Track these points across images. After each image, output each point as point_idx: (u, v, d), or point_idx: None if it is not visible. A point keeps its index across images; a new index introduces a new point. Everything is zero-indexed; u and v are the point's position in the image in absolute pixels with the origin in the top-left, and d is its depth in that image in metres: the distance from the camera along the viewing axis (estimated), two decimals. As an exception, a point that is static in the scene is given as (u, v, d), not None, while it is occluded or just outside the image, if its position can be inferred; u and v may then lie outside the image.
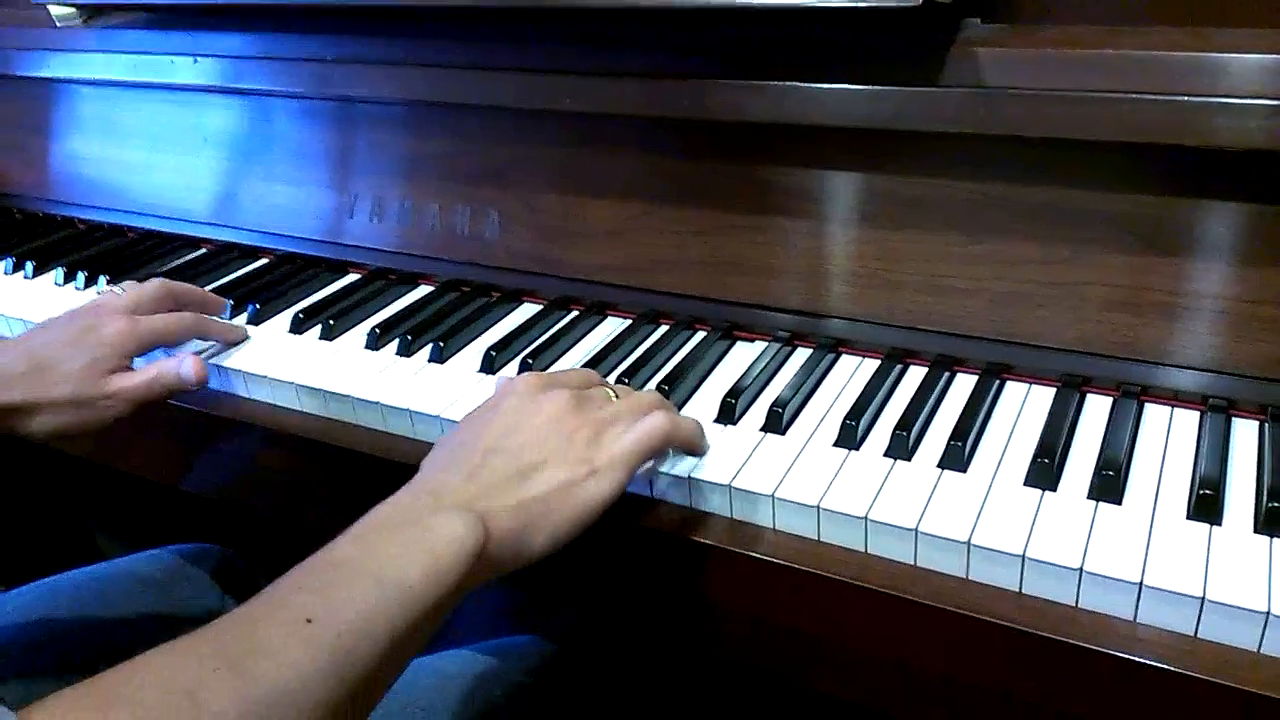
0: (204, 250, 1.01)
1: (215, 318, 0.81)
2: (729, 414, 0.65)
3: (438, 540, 0.47)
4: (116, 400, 0.68)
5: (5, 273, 1.00)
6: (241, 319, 0.85)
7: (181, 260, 0.99)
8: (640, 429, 0.55)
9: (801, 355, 0.73)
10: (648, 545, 0.61)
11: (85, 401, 0.68)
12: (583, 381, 0.60)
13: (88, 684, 0.39)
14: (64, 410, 0.68)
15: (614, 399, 0.58)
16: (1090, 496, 0.56)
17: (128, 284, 0.77)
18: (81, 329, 0.70)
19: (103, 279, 0.94)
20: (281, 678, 0.40)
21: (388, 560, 0.46)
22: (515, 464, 0.52)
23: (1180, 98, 0.58)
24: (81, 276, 0.95)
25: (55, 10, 1.02)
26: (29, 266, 0.98)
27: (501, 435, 0.53)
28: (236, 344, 0.80)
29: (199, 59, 0.93)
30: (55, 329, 0.71)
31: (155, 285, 0.77)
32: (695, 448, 0.60)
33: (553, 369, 0.74)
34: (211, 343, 0.79)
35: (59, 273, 0.96)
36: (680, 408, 0.68)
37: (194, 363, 0.70)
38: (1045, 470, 0.57)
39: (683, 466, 0.61)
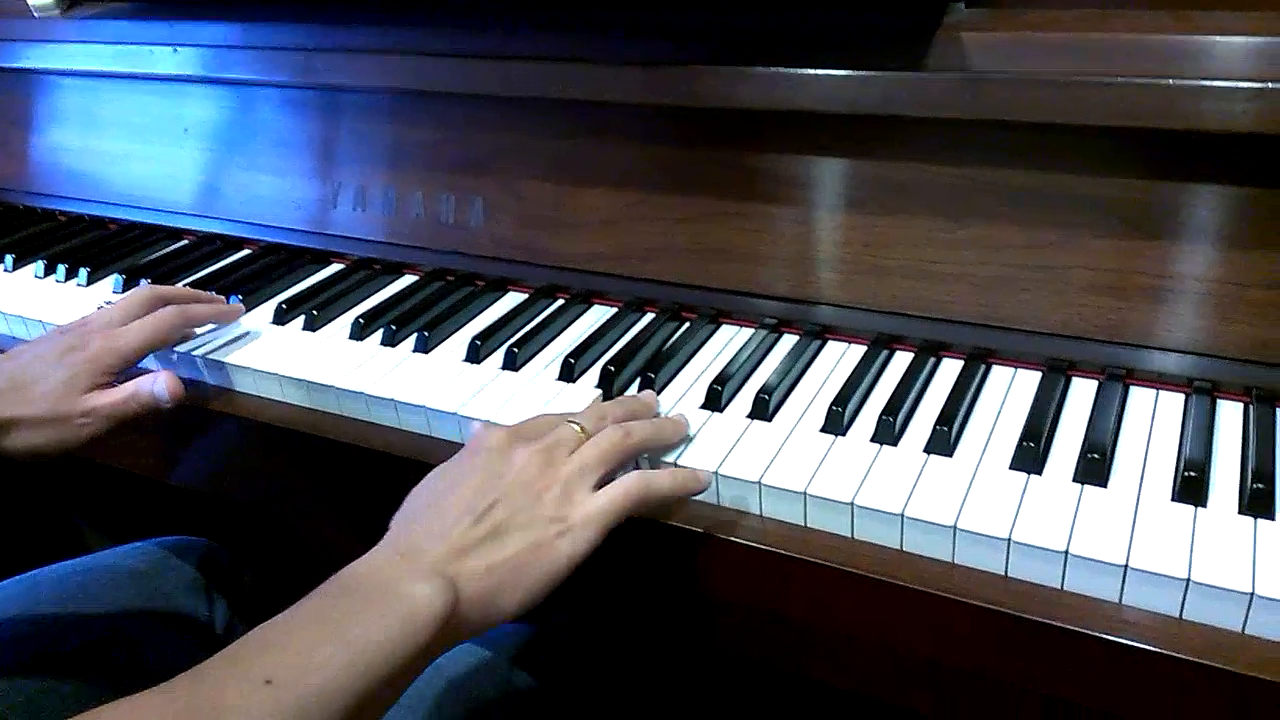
0: (186, 241, 1.00)
1: (202, 305, 0.80)
2: (715, 401, 0.65)
3: (408, 605, 0.46)
4: (93, 418, 0.68)
5: (-15, 266, 0.99)
6: None
7: (164, 251, 0.98)
8: (615, 492, 0.55)
9: (788, 342, 0.73)
10: (634, 533, 0.60)
11: (61, 419, 0.67)
12: (549, 426, 0.58)
13: None
14: (40, 428, 0.67)
15: (582, 434, 0.57)
16: (1076, 479, 0.56)
17: (117, 298, 0.75)
18: (63, 347, 0.69)
19: (83, 272, 0.93)
20: None
21: (354, 624, 0.45)
22: (486, 526, 0.51)
23: (1166, 81, 0.58)
24: (62, 269, 0.94)
25: (33, 0, 1.01)
26: (9, 259, 0.97)
27: (473, 496, 0.52)
28: (235, 322, 0.80)
29: (179, 49, 0.92)
30: (40, 346, 0.71)
31: (141, 295, 0.75)
32: (675, 496, 0.58)
33: (537, 359, 0.74)
34: (212, 333, 0.78)
35: (39, 265, 0.95)
36: (663, 392, 0.68)
37: (168, 379, 0.69)
38: (1031, 454, 0.57)
39: (670, 453, 0.60)
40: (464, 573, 0.49)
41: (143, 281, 0.90)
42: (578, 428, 0.58)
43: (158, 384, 0.69)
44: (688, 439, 0.62)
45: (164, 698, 0.41)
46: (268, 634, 0.45)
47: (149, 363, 0.77)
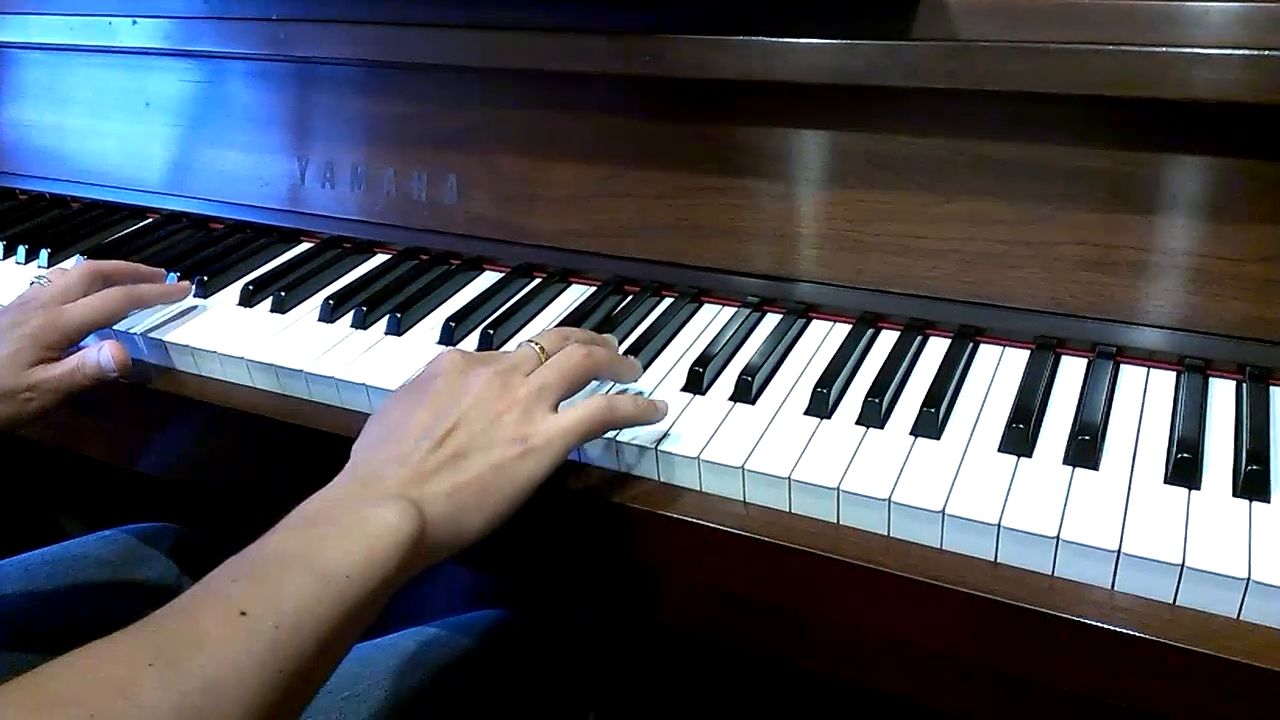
0: (151, 220, 0.98)
1: (149, 285, 0.78)
2: (697, 383, 0.64)
3: (373, 530, 0.46)
4: (38, 393, 0.66)
5: (-57, 247, 0.96)
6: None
7: (127, 231, 0.95)
8: (576, 413, 0.54)
9: (771, 321, 0.71)
10: (613, 520, 0.59)
11: (5, 395, 0.66)
12: (502, 354, 0.58)
13: (19, 682, 0.38)
14: None
15: (541, 354, 0.57)
16: (1066, 462, 0.55)
17: (54, 273, 0.73)
18: (5, 324, 0.68)
19: (44, 253, 0.90)
20: (216, 671, 0.39)
21: (324, 551, 0.45)
22: (447, 449, 0.51)
23: (1156, 49, 0.57)
24: (22, 250, 0.91)
25: (-14, -31, 0.98)
26: (-33, 241, 0.94)
27: (432, 419, 0.52)
28: (180, 303, 0.78)
29: (139, 20, 0.89)
30: None
31: (81, 270, 0.73)
32: (637, 423, 0.58)
33: (514, 340, 0.72)
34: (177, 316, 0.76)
35: (-1, 247, 0.93)
36: (644, 374, 0.66)
37: (112, 348, 0.68)
38: (1020, 436, 0.56)
39: (649, 437, 0.59)
40: (427, 496, 0.49)
41: (105, 263, 0.87)
42: (537, 348, 0.58)
43: (103, 354, 0.68)
44: (669, 424, 0.60)
45: (143, 632, 0.41)
46: (238, 566, 0.44)
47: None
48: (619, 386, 0.64)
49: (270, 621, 0.41)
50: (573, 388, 0.57)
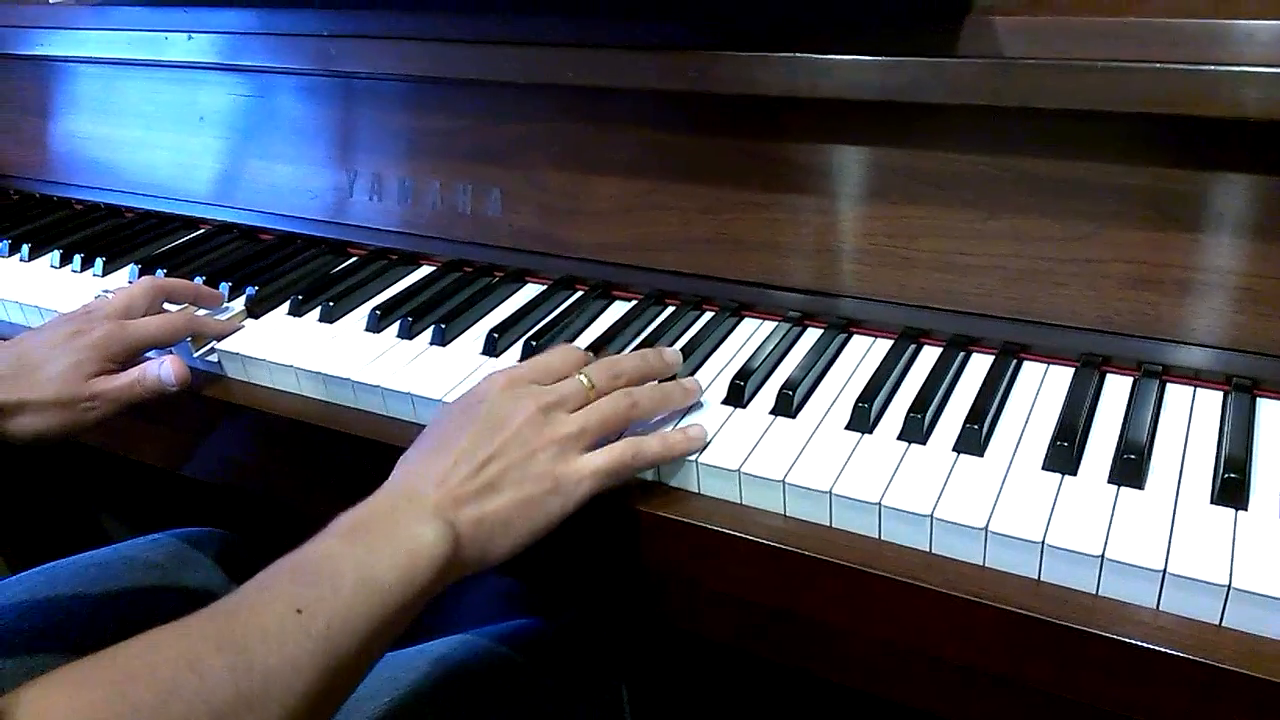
0: (202, 230, 1.00)
1: (210, 312, 0.81)
2: (738, 396, 0.64)
3: (414, 546, 0.50)
4: (99, 402, 0.68)
5: (1, 255, 0.98)
6: (240, 301, 0.83)
7: (180, 241, 0.98)
8: (605, 459, 0.57)
9: (812, 335, 0.71)
10: (652, 530, 0.59)
11: (67, 403, 0.68)
12: (562, 366, 0.61)
13: (97, 658, 0.41)
14: (45, 412, 0.67)
15: (590, 390, 0.60)
16: (1111, 481, 0.54)
17: (119, 287, 0.76)
18: (69, 333, 0.70)
19: (99, 262, 0.92)
20: (277, 662, 0.43)
21: (371, 561, 0.48)
22: (482, 479, 0.54)
23: (1205, 67, 0.56)
24: (78, 258, 0.93)
25: (48, -14, 1.00)
26: (25, 249, 0.97)
27: (473, 446, 0.55)
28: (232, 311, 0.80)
29: (194, 35, 0.91)
30: (45, 332, 0.71)
31: (144, 286, 0.76)
32: (663, 462, 0.60)
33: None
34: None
35: (55, 255, 0.95)
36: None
37: (173, 364, 0.70)
38: (1064, 454, 0.55)
39: (689, 449, 0.59)
40: (460, 520, 0.52)
41: (159, 272, 0.89)
42: (586, 383, 0.60)
43: (164, 369, 0.69)
44: (709, 436, 0.60)
45: (211, 621, 0.44)
46: (293, 567, 0.48)
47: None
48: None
49: (323, 621, 0.45)
50: (611, 434, 0.59)
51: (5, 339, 0.73)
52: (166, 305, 0.78)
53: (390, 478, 0.55)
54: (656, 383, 0.64)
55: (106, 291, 0.75)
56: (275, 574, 0.47)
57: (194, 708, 0.40)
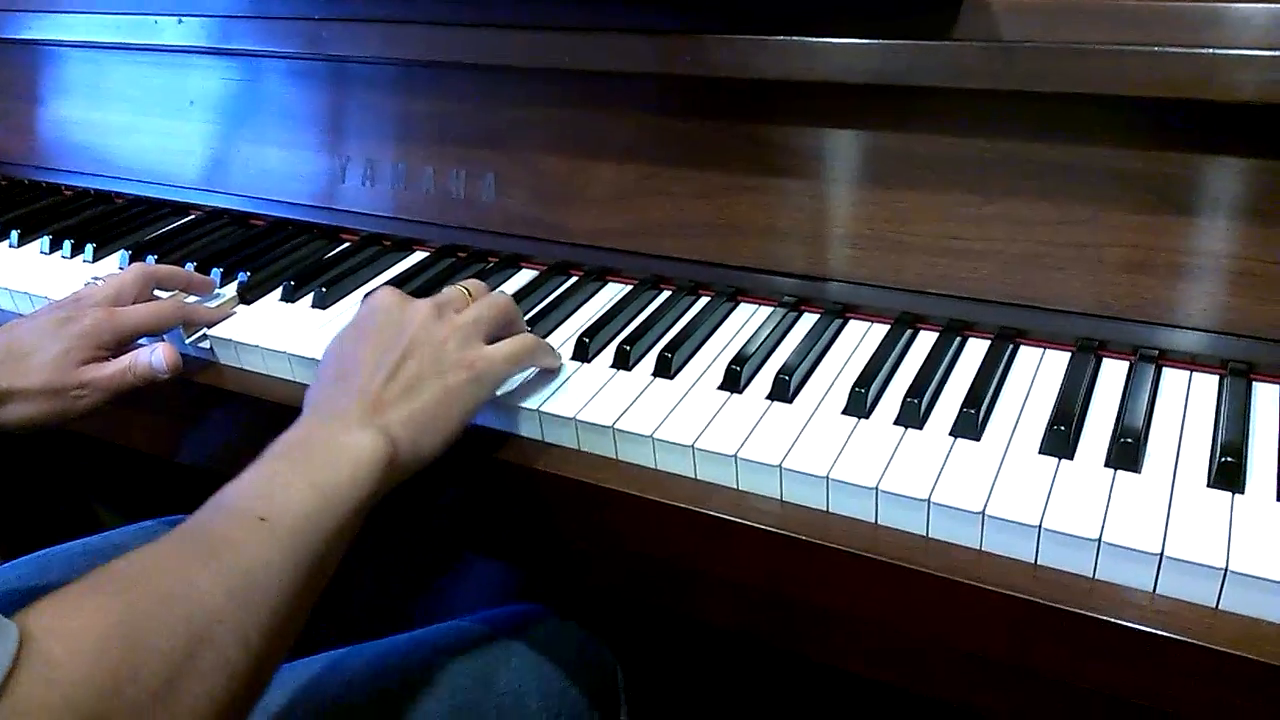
0: (193, 216, 0.99)
1: (201, 299, 0.80)
2: (734, 382, 0.64)
3: (354, 454, 0.52)
4: (89, 390, 0.68)
5: (-10, 241, 0.98)
6: (231, 287, 0.82)
7: (170, 227, 0.97)
8: (512, 344, 0.62)
9: (808, 320, 0.71)
10: (648, 516, 0.59)
11: (57, 391, 0.67)
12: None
13: (97, 576, 0.44)
14: (35, 400, 0.67)
15: (468, 296, 0.64)
16: (1108, 464, 0.54)
17: (109, 274, 0.75)
18: (58, 320, 0.69)
19: (90, 248, 0.91)
20: (251, 564, 0.47)
21: (316, 471, 0.51)
22: (401, 379, 0.56)
23: (1202, 50, 0.56)
24: (68, 244, 0.92)
25: (35, -31, 0.99)
26: (14, 235, 0.96)
27: (381, 352, 0.58)
28: (223, 296, 0.80)
29: (184, 19, 0.90)
30: (34, 319, 0.70)
31: (134, 273, 0.75)
32: (555, 362, 0.66)
33: (551, 338, 0.72)
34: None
35: (45, 240, 0.94)
36: (680, 372, 0.66)
37: (165, 351, 0.69)
38: (1061, 438, 0.55)
39: (686, 435, 0.59)
40: (391, 423, 0.55)
41: (149, 258, 0.88)
42: (464, 290, 0.64)
43: (155, 355, 0.69)
44: (705, 421, 0.60)
45: (184, 539, 0.48)
46: (245, 486, 0.51)
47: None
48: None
49: (285, 525, 0.49)
50: (500, 324, 0.63)
51: None
52: (157, 292, 0.78)
53: (307, 406, 0.57)
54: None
55: (96, 279, 0.74)
56: (228, 496, 0.50)
57: (190, 609, 0.44)
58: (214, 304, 0.79)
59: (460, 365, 0.58)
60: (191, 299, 0.80)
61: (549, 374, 0.67)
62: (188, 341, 0.76)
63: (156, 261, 0.88)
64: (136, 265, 0.77)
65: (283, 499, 0.50)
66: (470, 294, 0.64)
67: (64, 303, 0.72)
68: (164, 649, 0.42)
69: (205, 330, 0.77)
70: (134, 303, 0.73)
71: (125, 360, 0.69)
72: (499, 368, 0.60)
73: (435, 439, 0.56)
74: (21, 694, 0.38)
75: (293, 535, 0.49)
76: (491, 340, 0.62)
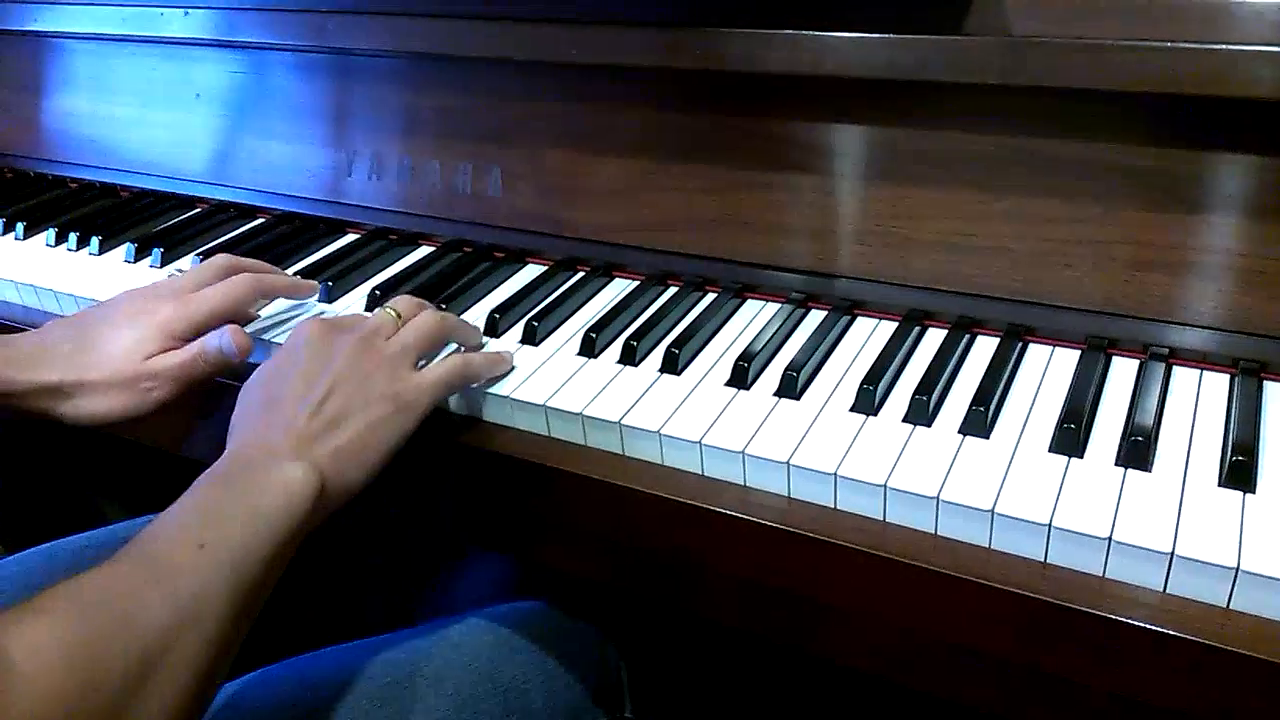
0: (199, 210, 0.99)
1: (277, 275, 0.76)
2: (741, 379, 0.63)
3: (285, 484, 0.53)
4: (159, 381, 0.65)
5: (-4, 234, 0.98)
6: None
7: (176, 220, 0.97)
8: (439, 370, 0.61)
9: (816, 317, 0.71)
10: (655, 513, 0.59)
11: (126, 383, 0.65)
12: (364, 317, 0.64)
13: (55, 591, 0.45)
14: (105, 393, 0.65)
15: (397, 319, 0.64)
16: (1118, 463, 0.54)
17: (188, 267, 0.72)
18: (131, 311, 0.67)
19: (95, 241, 0.91)
20: (194, 590, 0.48)
21: (252, 498, 0.52)
22: (325, 416, 0.56)
23: (1216, 46, 0.56)
24: (74, 237, 0.92)
25: (41, -39, 0.99)
26: (19, 227, 0.96)
27: (306, 387, 0.57)
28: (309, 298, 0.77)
29: (190, 11, 0.90)
30: (107, 309, 0.68)
31: (216, 264, 0.72)
32: (491, 374, 0.65)
33: (557, 333, 0.72)
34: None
35: (50, 233, 0.94)
36: (687, 368, 0.66)
37: (234, 333, 0.66)
38: (1071, 436, 0.55)
39: (693, 431, 0.59)
40: (317, 456, 0.55)
41: (155, 251, 0.88)
42: (393, 313, 0.64)
43: (224, 338, 0.66)
44: (712, 419, 0.60)
45: (136, 561, 0.48)
46: (182, 514, 0.52)
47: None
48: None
49: (225, 553, 0.50)
50: (430, 348, 0.63)
51: (15, 321, 0.72)
52: None
53: (233, 437, 0.57)
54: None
55: (179, 270, 0.72)
56: (168, 522, 0.51)
57: (144, 630, 0.45)
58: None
59: (385, 398, 0.58)
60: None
61: (556, 369, 0.66)
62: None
63: (163, 254, 0.87)
64: (219, 256, 0.74)
65: (221, 528, 0.51)
66: (399, 316, 0.64)
67: (138, 292, 0.70)
68: (121, 668, 0.44)
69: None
70: None
71: (195, 347, 0.66)
72: (426, 396, 0.60)
73: (361, 472, 0.57)
74: None
75: (231, 562, 0.50)
76: (428, 357, 0.63)
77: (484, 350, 0.68)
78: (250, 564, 0.50)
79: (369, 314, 0.64)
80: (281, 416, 0.56)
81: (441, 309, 0.70)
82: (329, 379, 0.58)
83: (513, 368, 0.66)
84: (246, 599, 0.50)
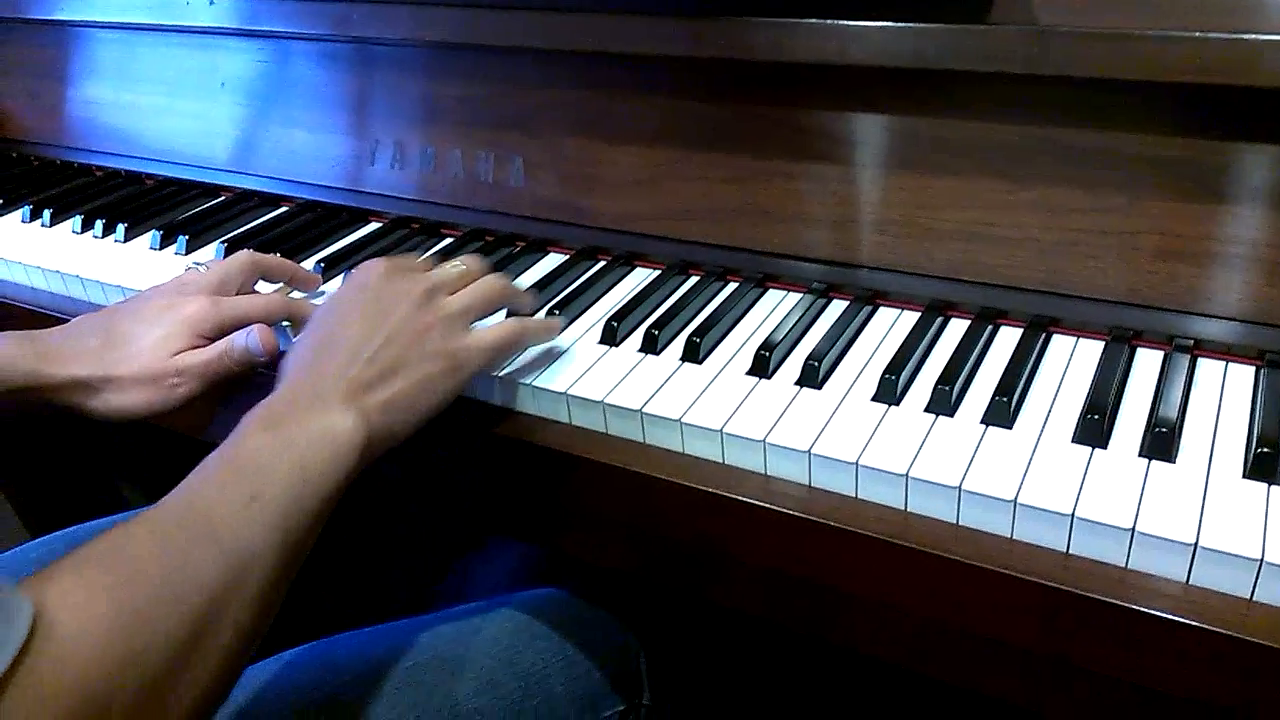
0: (223, 198, 0.99)
1: (307, 296, 0.77)
2: (763, 368, 0.63)
3: (333, 434, 0.53)
4: (185, 377, 0.65)
5: (22, 220, 0.99)
6: (335, 283, 0.78)
7: (201, 208, 0.97)
8: (493, 334, 0.61)
9: (838, 307, 0.71)
10: (677, 501, 0.59)
11: (153, 379, 0.65)
12: (425, 264, 0.64)
13: (102, 548, 0.44)
14: (131, 388, 0.65)
15: (466, 272, 0.63)
16: (1142, 454, 0.54)
17: (211, 260, 0.72)
18: (160, 307, 0.67)
19: (121, 228, 0.92)
20: (245, 544, 0.47)
21: (299, 450, 0.52)
22: (377, 366, 0.57)
23: (1244, 35, 0.55)
24: (99, 224, 0.93)
25: (67, -50, 1.00)
26: (46, 214, 0.97)
27: (364, 336, 0.57)
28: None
29: (215, 1, 0.90)
30: (135, 304, 0.69)
31: (241, 261, 0.72)
32: (544, 339, 0.67)
33: (579, 322, 0.72)
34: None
35: (77, 220, 0.95)
36: (709, 357, 0.66)
37: (261, 332, 0.66)
38: (1095, 427, 0.55)
39: (714, 419, 0.59)
40: (367, 406, 0.55)
41: (180, 238, 0.89)
42: (463, 266, 0.64)
43: (250, 337, 0.66)
44: (734, 407, 0.60)
45: (185, 515, 0.48)
46: (227, 465, 0.51)
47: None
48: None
49: (272, 506, 0.49)
50: (489, 310, 0.63)
51: (42, 307, 0.72)
52: (261, 285, 0.75)
53: (287, 373, 0.57)
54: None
55: (198, 264, 0.71)
56: (215, 471, 0.51)
57: (194, 591, 0.45)
58: (318, 300, 0.76)
59: (439, 355, 0.58)
60: (297, 295, 0.77)
61: (578, 357, 0.67)
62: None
63: (188, 241, 0.88)
64: (243, 253, 0.74)
65: (267, 480, 0.50)
66: (469, 270, 0.64)
67: (165, 288, 0.70)
68: (169, 632, 0.43)
69: None
70: (237, 293, 0.71)
71: (221, 344, 0.66)
72: (479, 358, 0.60)
73: (405, 426, 0.57)
74: (34, 672, 0.38)
75: (282, 517, 0.49)
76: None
77: (536, 317, 0.68)
78: (298, 517, 0.50)
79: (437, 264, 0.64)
80: (335, 362, 0.56)
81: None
82: (387, 329, 0.58)
83: (562, 335, 0.67)
84: (293, 555, 0.50)
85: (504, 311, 0.69)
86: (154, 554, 0.45)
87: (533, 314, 0.70)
